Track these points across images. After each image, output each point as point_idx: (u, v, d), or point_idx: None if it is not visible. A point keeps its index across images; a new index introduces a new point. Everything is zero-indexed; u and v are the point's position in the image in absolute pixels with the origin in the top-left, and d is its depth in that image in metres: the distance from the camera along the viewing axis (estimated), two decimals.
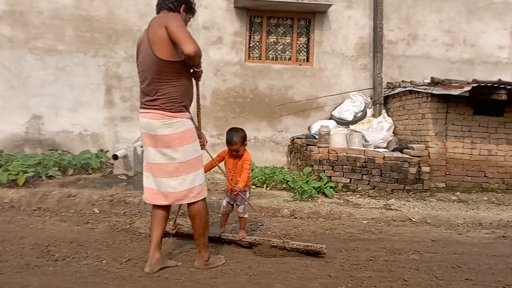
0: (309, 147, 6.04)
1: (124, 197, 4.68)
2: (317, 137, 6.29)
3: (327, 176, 5.63)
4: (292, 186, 5.41)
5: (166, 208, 2.93)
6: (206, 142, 3.22)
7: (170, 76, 2.69)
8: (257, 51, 7.49)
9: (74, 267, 2.86)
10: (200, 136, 3.07)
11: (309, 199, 5.09)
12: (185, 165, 2.77)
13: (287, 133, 7.38)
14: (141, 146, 6.91)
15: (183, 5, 2.88)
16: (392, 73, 7.52)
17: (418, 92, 6.25)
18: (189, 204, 2.85)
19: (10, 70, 6.90)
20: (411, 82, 6.58)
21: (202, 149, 3.06)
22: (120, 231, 3.77)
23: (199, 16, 7.15)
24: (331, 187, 5.40)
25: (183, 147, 2.76)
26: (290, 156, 7.13)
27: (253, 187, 5.72)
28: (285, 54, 7.55)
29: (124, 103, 7.11)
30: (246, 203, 3.45)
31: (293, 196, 5.16)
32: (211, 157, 3.33)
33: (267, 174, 5.77)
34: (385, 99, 7.31)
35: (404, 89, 6.66)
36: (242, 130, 3.39)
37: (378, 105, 7.21)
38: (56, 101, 7.01)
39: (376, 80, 7.25)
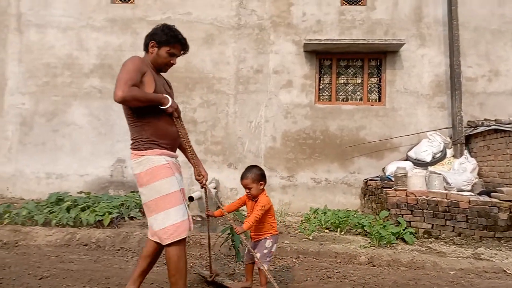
0: (384, 189, 5.80)
1: (199, 238, 4.77)
2: (393, 179, 6.04)
3: (405, 221, 5.32)
4: (368, 231, 5.18)
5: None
6: (206, 180, 3.05)
7: (132, 118, 2.74)
8: (327, 93, 7.52)
9: None
10: (199, 173, 2.99)
11: (388, 246, 4.82)
12: (154, 203, 2.68)
13: (359, 175, 7.18)
14: (214, 188, 7.13)
15: (151, 42, 2.83)
16: (473, 111, 7.11)
17: (505, 131, 5.81)
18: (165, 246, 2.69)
19: (99, 118, 7.56)
20: (495, 120, 6.15)
21: (202, 187, 3.06)
22: (197, 274, 3.82)
23: (270, 61, 7.41)
24: (411, 233, 5.08)
25: (151, 184, 2.68)
26: (364, 199, 6.88)
27: (326, 231, 5.58)
28: (355, 94, 7.49)
29: (199, 146, 7.42)
30: (264, 251, 3.16)
31: (369, 242, 4.93)
32: (217, 201, 3.32)
33: (340, 218, 5.59)
34: (466, 138, 6.87)
35: (488, 128, 6.24)
36: (258, 169, 3.23)
37: (459, 145, 6.80)
38: None
39: (456, 118, 6.88)
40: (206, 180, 3.07)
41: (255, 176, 3.17)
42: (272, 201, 6.94)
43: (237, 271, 3.92)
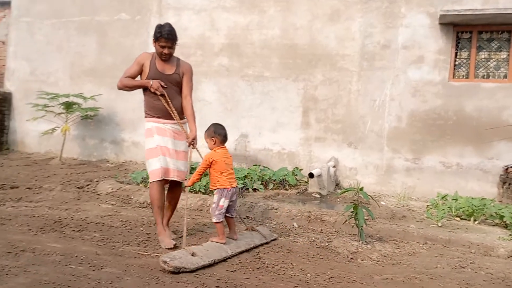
0: None
1: (320, 214, 4.83)
2: None
3: None
4: (508, 222, 4.66)
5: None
6: (190, 139, 3.74)
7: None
8: (463, 69, 6.81)
9: (283, 276, 3.07)
10: (187, 136, 3.78)
11: None
12: (146, 153, 3.75)
13: (498, 161, 6.42)
14: (334, 166, 7.09)
15: (153, 39, 3.75)
16: None
17: None
18: None
19: (226, 95, 8.02)
20: None
21: (189, 146, 3.76)
22: (320, 248, 3.88)
23: (399, 36, 6.96)
24: None
25: (145, 140, 3.77)
26: (503, 187, 6.16)
27: (457, 219, 5.17)
28: (499, 71, 6.65)
29: (319, 124, 7.41)
30: (213, 205, 3.53)
31: (510, 234, 4.43)
32: (201, 156, 3.74)
33: (475, 206, 5.11)
34: None
35: None
36: (214, 126, 3.70)
37: None
38: (260, 122, 7.80)
39: None
40: (192, 142, 3.76)
41: (208, 133, 3.67)
42: (394, 184, 6.73)
43: (360, 250, 3.88)
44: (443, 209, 5.17)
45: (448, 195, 5.97)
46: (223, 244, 3.40)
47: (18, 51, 9.12)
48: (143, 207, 5.10)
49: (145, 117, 3.84)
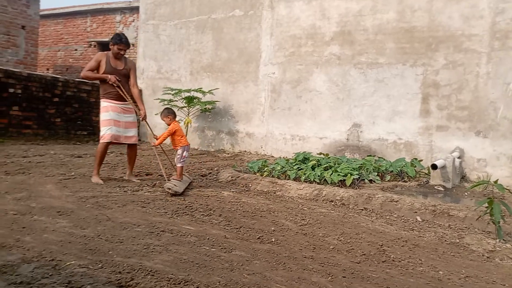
0: None
1: (447, 209, 4.49)
2: None
3: None
4: None
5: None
6: (143, 115, 5.32)
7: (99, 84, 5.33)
8: None
9: (412, 271, 2.94)
10: (139, 114, 5.36)
11: None
12: (100, 123, 5.23)
13: None
14: (458, 157, 6.53)
15: (110, 43, 5.24)
16: None
17: None
18: None
19: (337, 84, 7.88)
20: None
21: (142, 120, 5.33)
22: (450, 244, 3.62)
23: None
24: None
25: (100, 114, 5.24)
26: None
27: None
28: None
29: (441, 112, 6.88)
30: (177, 156, 5.07)
31: None
32: (149, 130, 5.70)
33: None
34: None
35: None
36: (167, 109, 5.27)
37: None
38: (374, 111, 7.52)
39: None
40: (143, 116, 5.32)
41: (163, 114, 5.21)
42: None
43: (497, 248, 3.52)
44: None
45: None
46: (180, 180, 5.09)
47: (146, 51, 10.12)
48: (261, 195, 5.30)
49: (101, 98, 5.23)
